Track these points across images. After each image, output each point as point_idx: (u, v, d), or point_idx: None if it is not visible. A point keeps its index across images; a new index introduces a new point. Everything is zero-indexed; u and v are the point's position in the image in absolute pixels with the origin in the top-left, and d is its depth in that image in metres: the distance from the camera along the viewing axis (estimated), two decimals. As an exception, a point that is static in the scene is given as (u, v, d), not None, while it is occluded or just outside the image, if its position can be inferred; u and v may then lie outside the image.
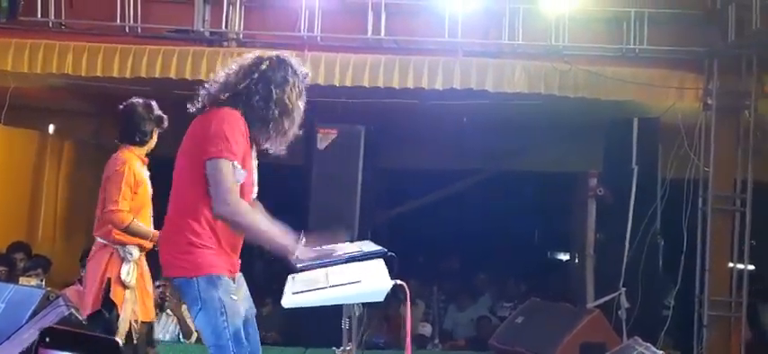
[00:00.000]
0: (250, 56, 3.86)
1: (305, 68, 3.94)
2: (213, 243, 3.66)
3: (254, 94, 3.70)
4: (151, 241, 5.18)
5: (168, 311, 7.73)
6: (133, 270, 5.11)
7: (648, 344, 5.75)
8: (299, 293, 3.60)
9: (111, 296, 5.04)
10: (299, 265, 3.97)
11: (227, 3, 7.95)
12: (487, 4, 7.75)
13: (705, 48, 7.78)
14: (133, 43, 7.90)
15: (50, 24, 7.91)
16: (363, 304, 3.96)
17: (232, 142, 3.59)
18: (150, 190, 5.30)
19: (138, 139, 5.25)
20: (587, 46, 7.89)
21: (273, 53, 3.87)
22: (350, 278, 3.70)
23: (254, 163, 3.85)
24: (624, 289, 8.04)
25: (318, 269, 3.93)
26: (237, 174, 3.61)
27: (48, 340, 0.97)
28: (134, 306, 5.02)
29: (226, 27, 7.97)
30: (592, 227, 9.59)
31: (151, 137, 5.31)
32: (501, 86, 7.84)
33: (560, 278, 11.60)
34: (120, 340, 4.70)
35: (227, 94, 3.73)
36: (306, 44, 7.80)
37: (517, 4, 7.79)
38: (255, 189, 3.88)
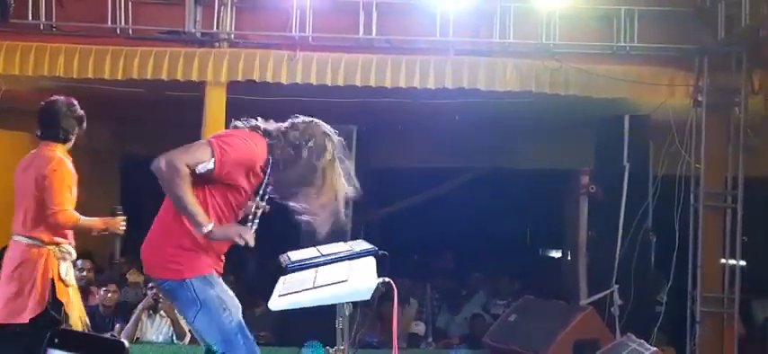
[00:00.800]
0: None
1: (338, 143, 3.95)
2: (203, 246, 3.65)
3: (290, 143, 3.75)
4: (99, 231, 5.15)
5: (162, 312, 7.71)
6: (70, 269, 5.06)
7: (641, 340, 5.78)
8: (285, 295, 3.59)
9: (58, 295, 4.97)
10: (289, 266, 3.97)
11: (219, 3, 7.93)
12: (478, 2, 7.76)
13: (695, 45, 7.80)
14: (124, 45, 7.89)
15: (41, 26, 7.88)
16: (354, 303, 3.94)
17: (230, 147, 3.59)
18: None
19: (61, 137, 5.17)
20: (578, 44, 7.91)
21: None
22: (337, 277, 3.70)
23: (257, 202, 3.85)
24: (617, 286, 8.06)
25: (308, 270, 3.93)
26: (204, 168, 3.55)
27: (56, 340, 0.99)
28: (80, 306, 4.95)
29: (217, 28, 7.95)
30: (584, 224, 9.62)
31: (73, 135, 5.24)
32: (492, 85, 7.86)
33: (553, 276, 11.62)
34: None
35: (262, 130, 3.78)
36: (297, 44, 7.80)
37: (508, 3, 7.80)
38: (241, 215, 3.85)
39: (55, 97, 5.28)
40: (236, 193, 3.73)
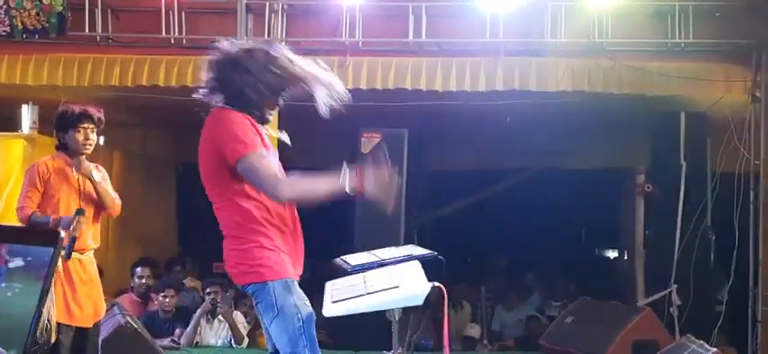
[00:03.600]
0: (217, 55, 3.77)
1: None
2: (278, 244, 3.63)
3: (244, 87, 3.64)
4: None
5: (220, 317, 7.85)
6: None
7: (702, 342, 5.73)
8: (338, 302, 3.62)
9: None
10: (348, 269, 3.99)
11: (269, 11, 8.05)
12: (529, 2, 7.75)
13: (751, 40, 7.70)
14: (178, 54, 8.03)
15: (98, 38, 8.06)
16: (404, 308, 3.97)
17: (242, 135, 3.54)
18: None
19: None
20: (631, 41, 7.87)
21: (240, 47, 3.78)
22: (388, 283, 3.71)
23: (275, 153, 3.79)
24: (675, 286, 8.03)
25: (357, 275, 3.96)
26: (269, 158, 3.57)
27: None
28: (50, 306, 4.93)
29: (268, 35, 8.03)
30: (640, 224, 9.52)
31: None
32: (544, 85, 7.86)
33: (609, 277, 11.53)
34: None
35: (217, 100, 3.69)
36: (347, 49, 7.88)
37: (559, 2, 7.79)
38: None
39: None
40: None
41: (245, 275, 3.63)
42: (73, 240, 4.59)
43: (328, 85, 3.74)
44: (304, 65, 3.75)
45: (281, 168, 3.69)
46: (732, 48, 7.80)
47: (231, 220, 3.66)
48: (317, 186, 3.62)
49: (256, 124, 3.66)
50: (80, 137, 4.96)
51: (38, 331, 4.30)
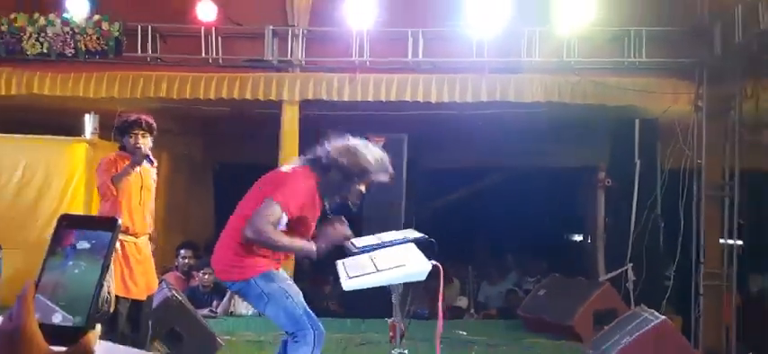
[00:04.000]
0: (345, 143, 3.85)
1: (381, 158, 3.91)
2: (261, 252, 3.68)
3: (335, 174, 3.75)
4: None
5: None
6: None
7: (652, 310, 5.74)
8: (355, 277, 3.63)
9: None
10: (352, 250, 4.01)
11: (291, 35, 8.06)
12: (508, 28, 7.75)
13: (695, 59, 7.70)
14: (216, 72, 8.05)
15: (148, 59, 8.09)
16: (406, 283, 3.98)
17: (291, 198, 3.61)
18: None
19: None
20: (593, 60, 7.85)
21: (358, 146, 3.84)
22: (396, 262, 3.72)
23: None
24: (630, 265, 8.00)
25: (364, 255, 3.96)
26: (281, 223, 3.62)
27: (65, 223, 1.03)
28: (110, 280, 4.75)
29: (290, 56, 8.07)
30: (601, 212, 9.55)
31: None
32: (521, 97, 7.85)
33: (576, 257, 11.52)
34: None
35: (313, 163, 3.78)
36: (357, 67, 7.88)
37: (534, 27, 7.78)
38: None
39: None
40: (308, 223, 3.79)
41: (228, 273, 3.69)
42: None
43: (386, 170, 3.87)
44: (373, 162, 3.82)
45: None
46: (678, 66, 7.79)
47: (236, 224, 3.69)
48: (286, 243, 3.65)
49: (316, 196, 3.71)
50: (133, 140, 4.98)
51: (99, 302, 4.29)
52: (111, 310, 4.64)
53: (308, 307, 3.68)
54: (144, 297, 4.94)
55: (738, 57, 7.19)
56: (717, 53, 7.45)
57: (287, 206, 3.59)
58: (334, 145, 3.82)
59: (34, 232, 7.94)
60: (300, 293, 3.71)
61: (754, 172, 8.11)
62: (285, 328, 3.66)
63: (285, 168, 3.86)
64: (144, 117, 5.08)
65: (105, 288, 4.65)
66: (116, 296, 4.69)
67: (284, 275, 3.77)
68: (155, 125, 5.11)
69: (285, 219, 3.62)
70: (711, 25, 7.53)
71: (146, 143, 5.00)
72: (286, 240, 3.64)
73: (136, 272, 4.87)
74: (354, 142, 3.85)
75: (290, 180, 3.68)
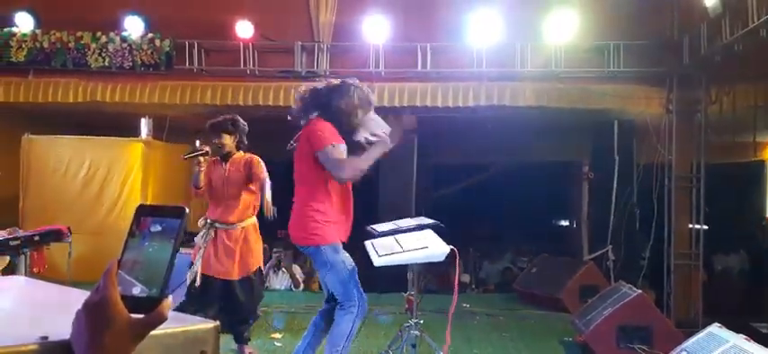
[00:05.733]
0: (325, 83, 3.83)
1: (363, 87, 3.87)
2: (331, 218, 3.63)
3: (335, 108, 3.71)
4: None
5: (283, 269, 7.97)
6: (201, 237, 4.85)
7: (630, 285, 5.77)
8: (384, 255, 3.68)
9: None
10: (376, 233, 4.06)
11: (317, 50, 8.11)
12: (504, 40, 7.80)
13: (666, 68, 7.71)
14: (252, 81, 8.11)
15: (195, 70, 8.17)
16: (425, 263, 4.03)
17: (328, 135, 3.59)
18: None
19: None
20: (578, 69, 7.87)
21: (339, 80, 3.85)
22: (419, 244, 3.74)
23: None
24: (610, 246, 8.04)
25: (390, 237, 4.01)
26: (340, 149, 3.59)
27: (141, 212, 1.04)
28: (199, 261, 4.74)
29: (316, 67, 8.11)
30: (585, 201, 9.56)
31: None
32: (516, 101, 7.87)
33: (563, 239, 11.56)
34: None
35: (316, 112, 3.74)
36: (373, 77, 7.90)
37: (526, 41, 7.81)
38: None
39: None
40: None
41: (305, 239, 3.67)
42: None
43: (369, 101, 3.80)
44: (353, 88, 3.77)
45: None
46: (652, 75, 7.79)
47: (305, 195, 3.67)
48: (370, 158, 3.63)
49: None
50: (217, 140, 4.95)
51: (189, 278, 4.27)
52: (198, 284, 4.69)
53: (359, 283, 3.67)
54: (235, 278, 4.80)
55: (704, 67, 7.20)
56: (685, 63, 7.47)
57: (336, 140, 3.57)
58: (327, 86, 3.80)
59: (98, 218, 8.08)
60: (356, 269, 3.69)
61: (718, 166, 8.12)
62: (337, 295, 3.66)
63: (305, 129, 3.76)
64: (215, 122, 5.02)
65: (194, 268, 4.74)
66: (203, 275, 4.71)
67: (343, 251, 3.71)
68: (228, 126, 5.00)
69: (342, 147, 3.60)
70: (680, 39, 7.55)
71: (220, 143, 4.95)
72: (364, 156, 3.62)
73: (221, 254, 4.78)
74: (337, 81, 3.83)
75: (317, 128, 3.63)
